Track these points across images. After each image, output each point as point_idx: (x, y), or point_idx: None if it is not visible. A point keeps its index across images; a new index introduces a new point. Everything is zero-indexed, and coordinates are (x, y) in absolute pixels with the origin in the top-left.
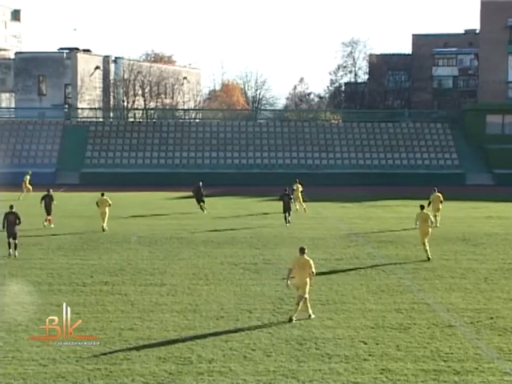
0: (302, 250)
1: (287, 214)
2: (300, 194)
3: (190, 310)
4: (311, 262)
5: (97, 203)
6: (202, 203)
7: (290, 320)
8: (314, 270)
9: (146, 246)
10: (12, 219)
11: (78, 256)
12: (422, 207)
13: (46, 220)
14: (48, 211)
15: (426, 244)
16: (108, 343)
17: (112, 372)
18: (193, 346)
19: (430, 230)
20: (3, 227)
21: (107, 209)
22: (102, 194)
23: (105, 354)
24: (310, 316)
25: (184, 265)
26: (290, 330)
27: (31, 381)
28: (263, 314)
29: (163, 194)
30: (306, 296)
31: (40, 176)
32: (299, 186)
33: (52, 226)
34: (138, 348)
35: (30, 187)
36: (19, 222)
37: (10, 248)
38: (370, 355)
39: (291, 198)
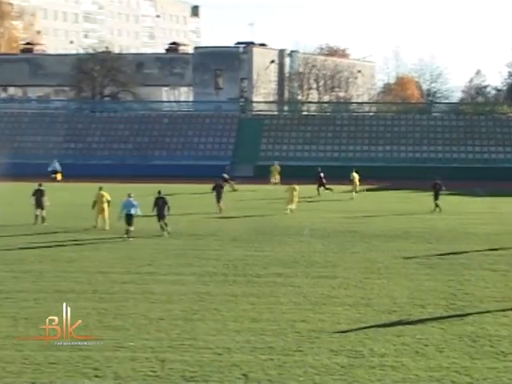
0: None
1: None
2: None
3: (362, 303)
4: None
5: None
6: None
7: None
8: None
9: (318, 239)
10: (161, 204)
11: (253, 247)
12: None
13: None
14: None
15: None
16: (281, 334)
17: (285, 363)
18: (364, 339)
19: None
20: (153, 210)
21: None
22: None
23: (278, 344)
24: None
25: (357, 258)
26: (463, 326)
27: (207, 368)
28: (436, 310)
29: (335, 187)
30: None
31: (216, 168)
32: (355, 175)
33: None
34: (310, 340)
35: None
36: (168, 208)
37: (163, 230)
38: None
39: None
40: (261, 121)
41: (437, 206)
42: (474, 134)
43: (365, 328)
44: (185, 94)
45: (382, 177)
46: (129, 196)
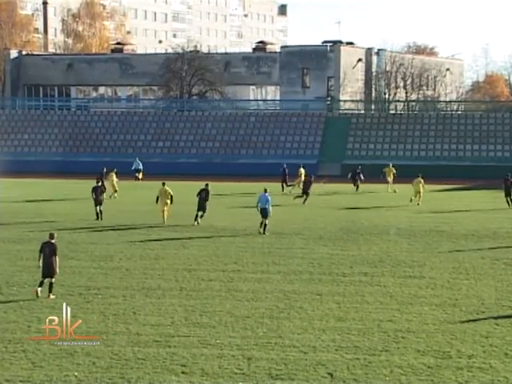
0: None
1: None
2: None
3: (450, 303)
4: None
5: None
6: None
7: None
8: None
9: (405, 238)
10: (203, 195)
11: (339, 246)
12: None
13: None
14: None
15: None
16: (367, 334)
17: (371, 362)
18: (452, 340)
19: None
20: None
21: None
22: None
23: (364, 344)
24: None
25: (444, 258)
26: None
27: (292, 366)
28: None
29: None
30: None
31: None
32: (392, 169)
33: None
34: (396, 340)
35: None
36: (207, 199)
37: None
38: None
39: None
40: (348, 119)
41: (508, 203)
42: None
43: (452, 328)
44: (272, 92)
45: (470, 176)
46: (265, 191)
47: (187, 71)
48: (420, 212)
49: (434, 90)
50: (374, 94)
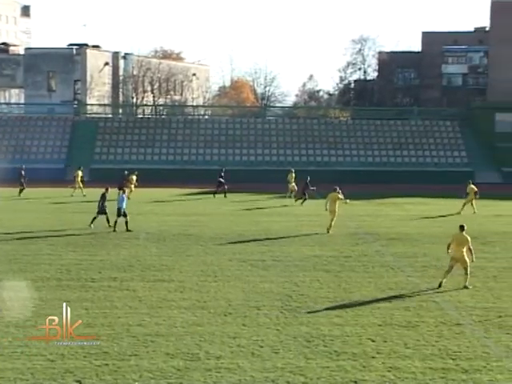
0: (461, 228)
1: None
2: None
3: (198, 306)
4: (468, 238)
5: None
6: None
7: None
8: (471, 246)
9: (154, 243)
10: None
11: (87, 252)
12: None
13: None
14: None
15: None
16: (116, 339)
17: (120, 368)
18: (201, 342)
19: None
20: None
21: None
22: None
23: (113, 349)
24: (465, 286)
25: (192, 261)
26: (297, 327)
27: (39, 376)
28: (271, 311)
29: (171, 190)
30: (467, 266)
31: (49, 172)
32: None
33: None
34: (145, 344)
35: (81, 184)
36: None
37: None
38: (377, 353)
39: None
40: (95, 123)
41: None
42: (308, 137)
43: (201, 331)
44: (16, 96)
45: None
46: None
47: None
48: (169, 215)
49: (182, 94)
50: (121, 98)
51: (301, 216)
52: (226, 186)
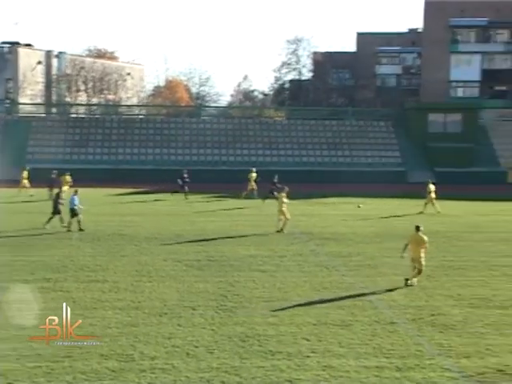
0: (417, 228)
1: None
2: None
3: (133, 306)
4: (425, 238)
5: None
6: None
7: (406, 282)
8: (427, 245)
9: (88, 243)
10: None
11: (20, 252)
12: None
13: None
14: None
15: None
16: (49, 341)
17: (53, 370)
18: (135, 343)
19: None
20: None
21: None
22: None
23: (47, 351)
24: (409, 282)
25: (127, 261)
26: (232, 327)
27: None
28: (206, 311)
29: (106, 190)
30: (422, 268)
31: None
32: (68, 178)
33: None
34: (79, 345)
35: (26, 183)
36: None
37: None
38: (312, 352)
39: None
40: (28, 123)
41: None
42: (243, 137)
43: (135, 331)
44: None
45: (153, 180)
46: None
47: None
48: (103, 215)
49: (116, 94)
50: (55, 97)
51: (236, 216)
52: (186, 188)
